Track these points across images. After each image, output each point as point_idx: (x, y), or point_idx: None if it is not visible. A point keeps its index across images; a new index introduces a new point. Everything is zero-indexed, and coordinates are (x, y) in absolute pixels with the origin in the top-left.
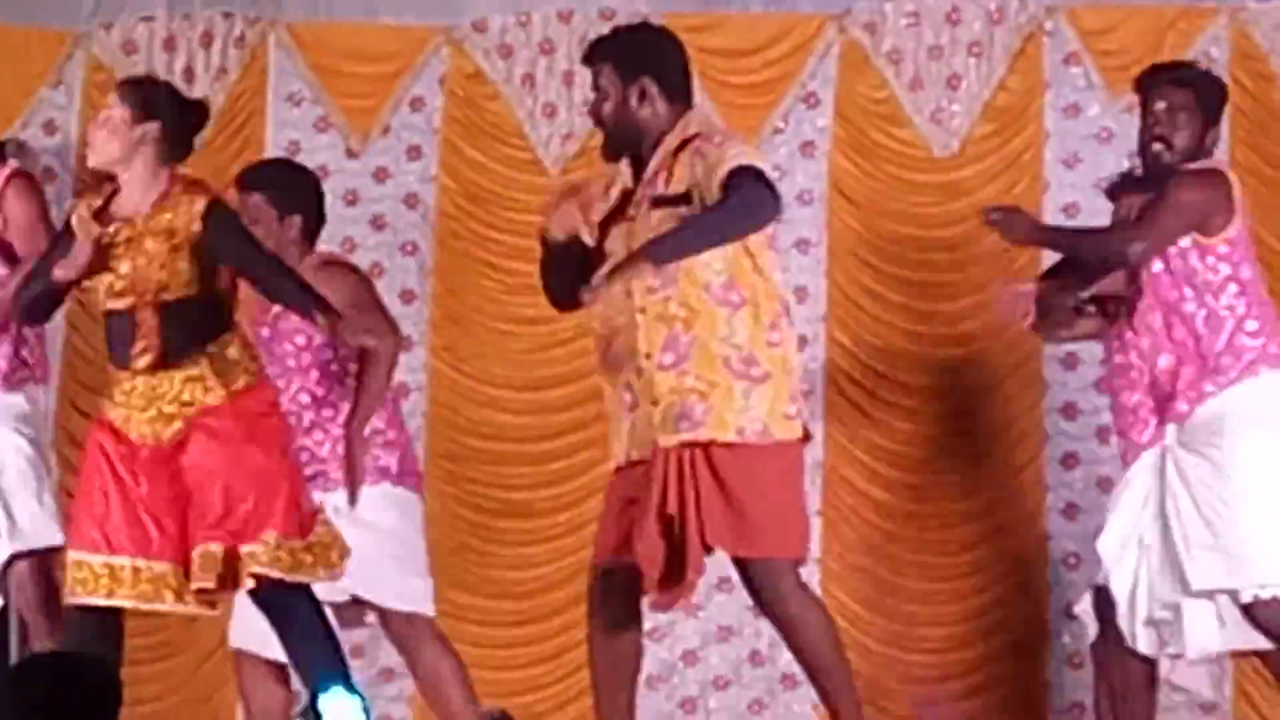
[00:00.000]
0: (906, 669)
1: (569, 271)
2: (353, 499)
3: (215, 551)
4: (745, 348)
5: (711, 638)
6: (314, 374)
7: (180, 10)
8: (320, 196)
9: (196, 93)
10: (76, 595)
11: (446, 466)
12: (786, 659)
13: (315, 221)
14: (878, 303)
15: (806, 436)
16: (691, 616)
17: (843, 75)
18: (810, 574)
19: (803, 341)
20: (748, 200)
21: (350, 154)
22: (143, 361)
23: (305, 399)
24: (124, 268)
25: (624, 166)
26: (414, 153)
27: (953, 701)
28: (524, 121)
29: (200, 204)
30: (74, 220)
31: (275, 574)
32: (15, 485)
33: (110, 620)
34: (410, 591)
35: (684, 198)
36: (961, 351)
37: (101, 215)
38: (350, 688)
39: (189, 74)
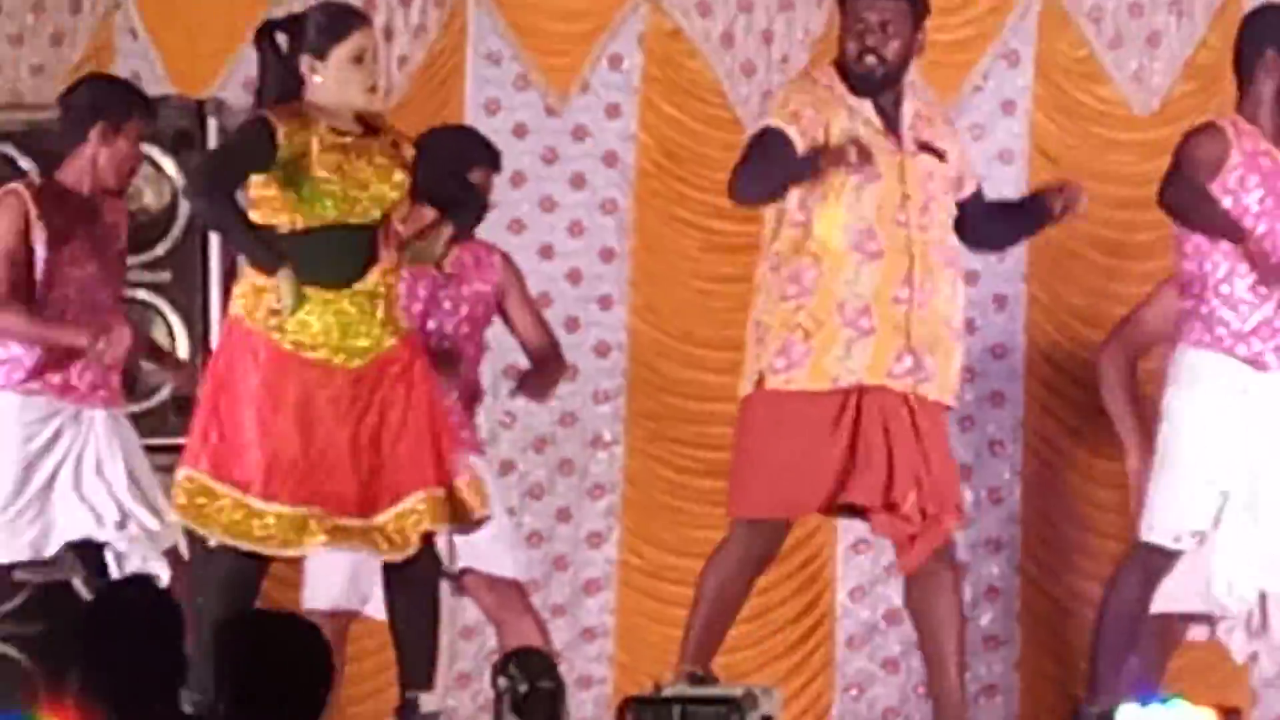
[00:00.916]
0: None
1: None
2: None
3: (441, 495)
4: (959, 315)
5: None
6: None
7: None
8: None
9: (396, 51)
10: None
11: (647, 425)
12: (989, 619)
13: None
14: (1078, 261)
15: None
16: (893, 576)
17: (1043, 33)
18: (1013, 533)
19: (1003, 300)
20: None
21: (549, 112)
22: (370, 280)
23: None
24: (382, 185)
25: (865, 105)
26: (613, 111)
27: None
28: (723, 79)
29: (410, 146)
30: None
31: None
32: None
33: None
34: (519, 559)
35: (945, 156)
36: None
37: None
38: None
39: (388, 32)
